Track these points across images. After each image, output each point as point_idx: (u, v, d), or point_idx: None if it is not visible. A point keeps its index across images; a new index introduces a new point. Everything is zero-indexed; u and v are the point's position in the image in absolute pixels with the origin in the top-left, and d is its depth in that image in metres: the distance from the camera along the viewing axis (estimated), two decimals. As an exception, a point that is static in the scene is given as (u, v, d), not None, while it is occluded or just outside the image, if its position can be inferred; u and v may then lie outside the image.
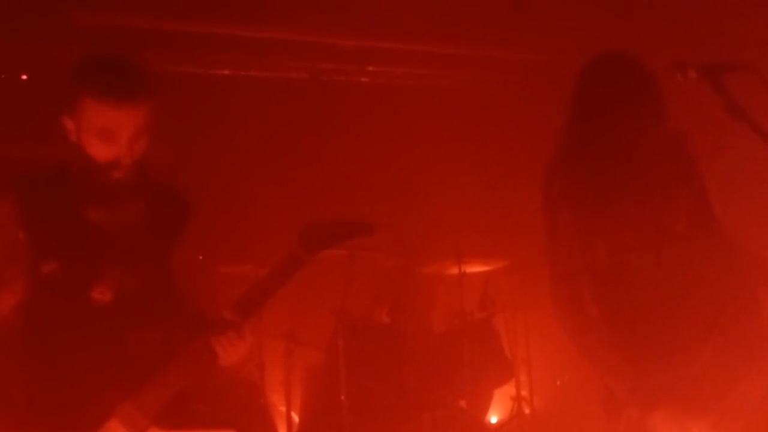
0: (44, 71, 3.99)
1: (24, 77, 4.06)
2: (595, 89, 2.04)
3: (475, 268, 4.17)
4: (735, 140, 1.95)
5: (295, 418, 4.14)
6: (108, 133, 1.81)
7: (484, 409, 4.25)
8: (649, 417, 1.81)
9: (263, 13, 4.17)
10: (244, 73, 4.64)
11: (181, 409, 1.88)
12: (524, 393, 4.32)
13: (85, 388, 1.82)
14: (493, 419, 4.51)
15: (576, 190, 1.96)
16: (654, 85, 2.02)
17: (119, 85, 1.81)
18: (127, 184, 1.87)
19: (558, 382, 4.77)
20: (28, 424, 1.80)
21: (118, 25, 3.96)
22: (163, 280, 1.97)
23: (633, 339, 1.91)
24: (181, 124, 3.90)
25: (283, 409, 4.13)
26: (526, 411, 4.33)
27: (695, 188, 2.04)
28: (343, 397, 3.67)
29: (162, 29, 4.11)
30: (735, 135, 1.85)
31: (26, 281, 1.86)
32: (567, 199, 1.96)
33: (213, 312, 2.02)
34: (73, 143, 1.86)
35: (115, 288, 1.87)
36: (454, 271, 4.06)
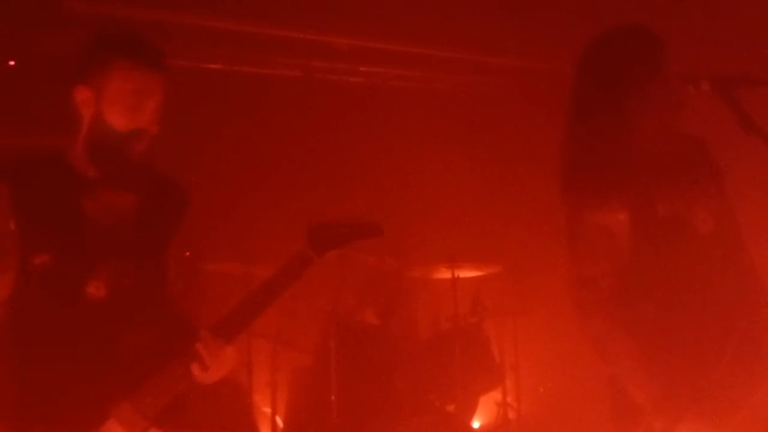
0: (33, 59, 3.90)
1: (11, 63, 3.97)
2: (610, 83, 1.94)
3: (467, 273, 4.15)
4: (747, 153, 1.94)
5: (279, 421, 4.09)
6: (137, 98, 1.80)
7: (472, 415, 4.23)
8: (676, 429, 1.76)
9: (258, 8, 4.11)
10: (236, 68, 4.57)
11: (178, 410, 1.83)
12: (510, 399, 4.31)
13: (78, 388, 1.76)
14: (478, 425, 4.49)
15: (598, 190, 1.89)
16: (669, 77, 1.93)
17: (151, 50, 1.85)
18: (125, 172, 1.84)
19: (541, 389, 4.77)
20: (23, 423, 1.74)
21: (109, 15, 3.88)
22: (159, 276, 1.92)
23: (657, 346, 1.85)
24: (169, 118, 3.81)
25: (268, 410, 4.07)
26: (512, 417, 4.32)
27: (721, 189, 1.98)
28: (333, 398, 3.63)
29: (153, 20, 4.02)
30: (747, 148, 1.84)
31: (16, 274, 1.79)
32: (589, 200, 1.89)
33: (200, 311, 1.98)
34: (90, 114, 1.82)
35: (110, 283, 1.81)
36: (447, 275, 4.04)
